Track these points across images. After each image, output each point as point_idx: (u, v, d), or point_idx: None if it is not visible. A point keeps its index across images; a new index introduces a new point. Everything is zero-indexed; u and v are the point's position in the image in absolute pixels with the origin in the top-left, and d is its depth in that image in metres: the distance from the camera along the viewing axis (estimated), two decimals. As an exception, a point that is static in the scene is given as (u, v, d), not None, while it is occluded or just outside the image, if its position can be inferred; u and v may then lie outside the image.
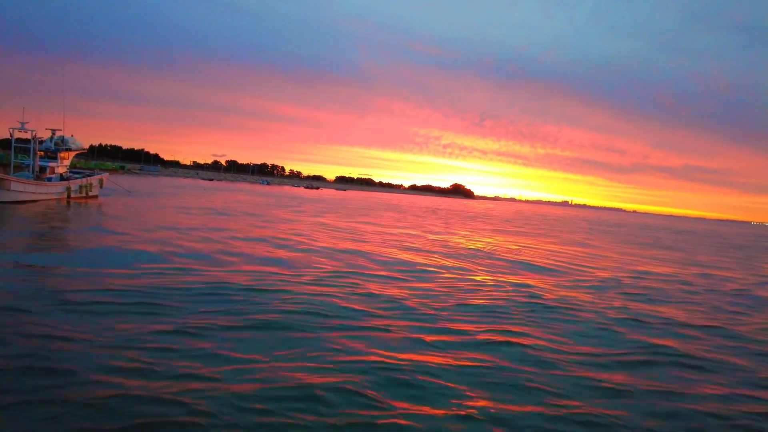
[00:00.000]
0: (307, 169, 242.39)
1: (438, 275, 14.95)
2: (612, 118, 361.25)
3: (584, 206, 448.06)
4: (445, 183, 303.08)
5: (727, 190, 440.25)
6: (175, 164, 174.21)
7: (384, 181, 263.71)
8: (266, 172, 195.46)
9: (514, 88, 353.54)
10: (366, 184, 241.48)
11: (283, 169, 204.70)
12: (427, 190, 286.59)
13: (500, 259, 20.41)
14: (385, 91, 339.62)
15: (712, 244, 49.81)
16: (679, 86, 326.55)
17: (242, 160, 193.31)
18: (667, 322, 11.23)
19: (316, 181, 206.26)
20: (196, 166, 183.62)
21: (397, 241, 24.20)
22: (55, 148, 32.45)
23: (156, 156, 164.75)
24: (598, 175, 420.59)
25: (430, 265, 16.78)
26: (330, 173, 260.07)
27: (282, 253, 16.47)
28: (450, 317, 9.85)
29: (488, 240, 29.94)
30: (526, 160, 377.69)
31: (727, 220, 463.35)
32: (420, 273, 15.04)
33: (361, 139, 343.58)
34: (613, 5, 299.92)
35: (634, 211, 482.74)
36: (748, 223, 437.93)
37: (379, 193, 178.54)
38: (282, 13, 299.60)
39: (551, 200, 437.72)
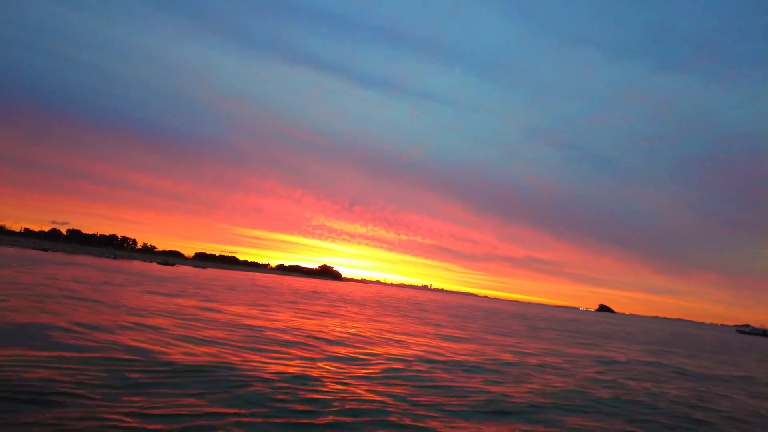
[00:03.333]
0: (163, 244, 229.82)
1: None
2: (466, 212, 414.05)
3: (442, 290, 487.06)
4: (314, 264, 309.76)
5: (560, 279, 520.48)
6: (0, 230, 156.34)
7: (249, 260, 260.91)
8: (115, 245, 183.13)
9: (381, 179, 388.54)
10: (229, 262, 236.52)
11: (134, 242, 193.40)
12: (296, 270, 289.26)
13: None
14: (257, 170, 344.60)
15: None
16: (520, 188, 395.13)
17: (88, 229, 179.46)
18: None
19: (172, 257, 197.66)
20: (29, 234, 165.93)
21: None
22: None
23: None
24: (454, 262, 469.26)
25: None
26: (189, 249, 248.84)
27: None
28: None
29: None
30: (390, 245, 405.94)
31: (561, 306, 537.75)
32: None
33: (227, 215, 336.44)
34: (467, 118, 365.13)
35: (486, 296, 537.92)
36: (577, 308, 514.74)
37: (242, 272, 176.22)
38: (151, 83, 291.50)
39: (413, 284, 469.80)
